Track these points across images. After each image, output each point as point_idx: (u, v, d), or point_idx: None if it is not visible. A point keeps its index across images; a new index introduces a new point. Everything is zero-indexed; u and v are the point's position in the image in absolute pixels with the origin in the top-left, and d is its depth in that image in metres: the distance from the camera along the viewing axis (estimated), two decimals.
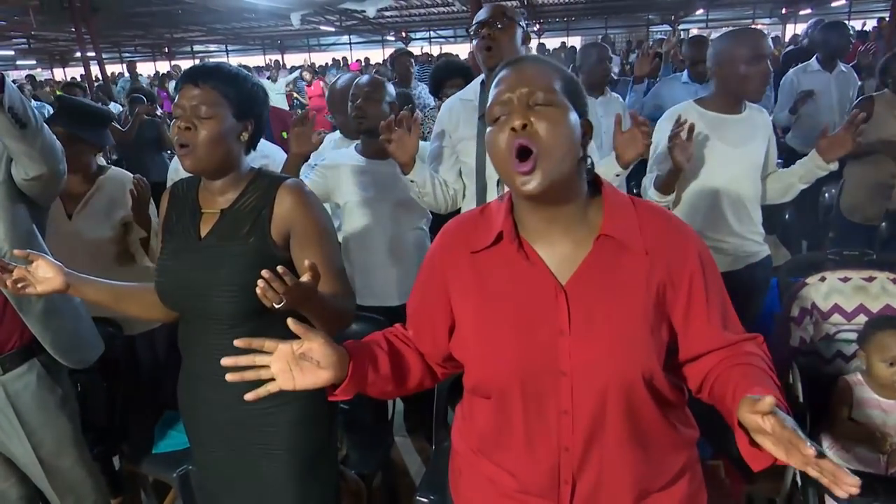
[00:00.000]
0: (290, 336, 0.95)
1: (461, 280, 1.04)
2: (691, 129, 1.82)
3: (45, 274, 1.34)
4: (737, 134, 1.99)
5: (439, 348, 1.11)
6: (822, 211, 3.55)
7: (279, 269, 1.06)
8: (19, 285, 1.33)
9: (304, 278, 1.09)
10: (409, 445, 2.58)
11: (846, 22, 4.26)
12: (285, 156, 2.67)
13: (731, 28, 2.15)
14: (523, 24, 1.88)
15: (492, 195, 1.89)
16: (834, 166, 1.95)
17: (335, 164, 2.16)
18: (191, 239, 1.38)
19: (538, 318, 0.96)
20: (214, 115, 1.29)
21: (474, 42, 1.88)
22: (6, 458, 1.72)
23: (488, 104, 0.98)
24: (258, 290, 1.07)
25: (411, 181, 1.89)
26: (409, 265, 2.20)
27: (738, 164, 1.99)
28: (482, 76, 2.00)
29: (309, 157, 2.07)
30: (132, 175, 2.20)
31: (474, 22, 1.87)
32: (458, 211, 2.00)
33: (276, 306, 1.09)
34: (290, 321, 0.96)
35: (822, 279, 1.98)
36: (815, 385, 1.91)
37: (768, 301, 2.25)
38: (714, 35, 2.62)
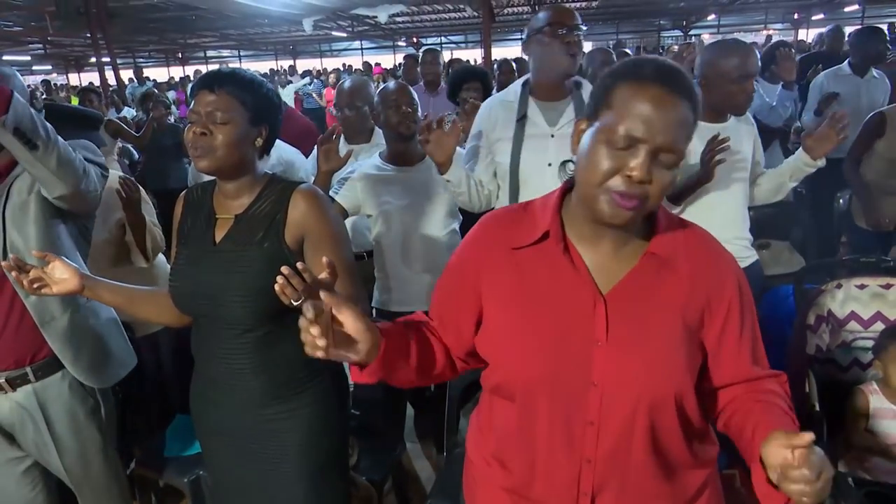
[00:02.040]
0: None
1: (497, 276, 1.02)
2: (726, 142, 1.79)
3: (60, 275, 1.36)
4: None
5: (463, 342, 1.09)
6: (837, 217, 3.52)
7: (298, 265, 1.07)
8: (35, 286, 1.34)
9: (322, 276, 1.09)
10: (420, 451, 2.57)
11: (881, 27, 4.22)
12: (305, 159, 2.68)
13: (721, 38, 2.14)
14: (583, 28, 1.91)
15: (525, 197, 1.89)
16: (821, 163, 1.94)
17: (364, 176, 2.14)
18: (206, 244, 1.39)
19: (574, 324, 0.95)
20: (230, 121, 1.30)
21: (546, 41, 1.85)
22: (33, 466, 1.72)
23: (612, 118, 0.87)
24: (276, 287, 1.08)
25: (447, 181, 1.91)
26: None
27: (728, 172, 1.97)
28: (524, 78, 2.00)
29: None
30: (123, 174, 2.21)
31: (555, 21, 1.85)
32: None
33: (294, 304, 1.10)
34: (323, 293, 0.91)
35: (839, 286, 1.95)
36: (831, 393, 1.89)
37: (787, 308, 2.22)
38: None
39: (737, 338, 0.99)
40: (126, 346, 1.84)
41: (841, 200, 3.45)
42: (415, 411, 2.55)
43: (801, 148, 1.96)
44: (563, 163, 1.88)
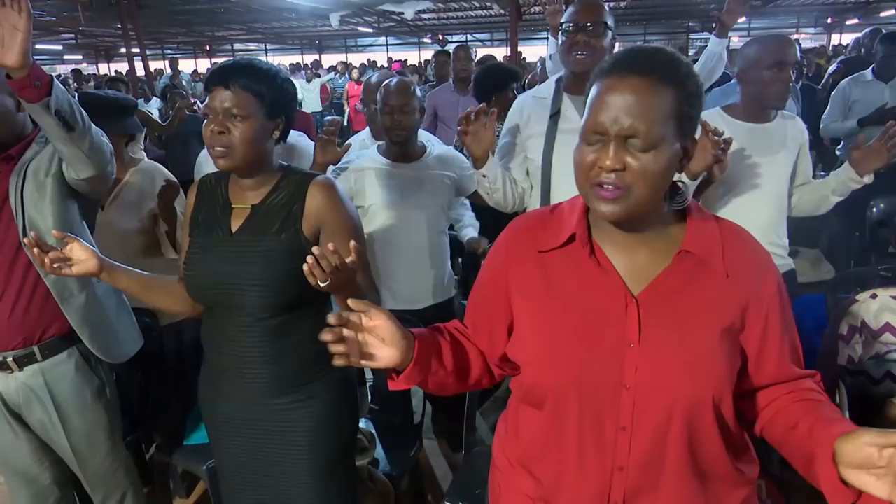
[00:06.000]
0: (318, 328, 0.95)
1: (525, 279, 1.00)
2: (728, 143, 1.72)
3: (79, 256, 1.37)
4: (763, 143, 1.93)
5: (496, 347, 1.07)
6: (870, 226, 3.44)
7: (329, 246, 1.08)
8: (56, 265, 1.35)
9: (350, 259, 1.11)
10: (437, 448, 2.55)
11: None
12: (310, 142, 2.66)
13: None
14: (612, 25, 1.82)
15: (557, 195, 1.86)
16: (868, 179, 1.88)
17: (360, 168, 2.13)
18: (222, 233, 1.39)
19: (605, 326, 0.92)
20: (248, 117, 1.30)
21: (561, 39, 1.83)
22: (42, 443, 1.75)
23: (585, 116, 0.90)
24: (305, 268, 1.09)
25: (483, 175, 1.87)
26: (432, 269, 2.19)
27: (764, 174, 1.92)
28: (558, 75, 1.96)
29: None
30: (162, 167, 2.23)
31: (567, 20, 1.81)
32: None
33: (321, 285, 1.11)
34: (350, 301, 0.93)
35: (874, 296, 1.89)
36: (861, 406, 1.84)
37: (816, 316, 2.17)
38: None
39: (778, 339, 0.96)
40: (135, 326, 1.87)
41: (875, 209, 3.37)
42: (433, 409, 2.54)
43: (846, 162, 1.90)
44: None
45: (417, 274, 2.15)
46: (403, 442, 2.09)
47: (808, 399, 0.94)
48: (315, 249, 1.08)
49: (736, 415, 0.97)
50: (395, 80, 2.16)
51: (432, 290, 2.18)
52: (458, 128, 1.81)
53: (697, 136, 1.62)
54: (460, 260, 2.81)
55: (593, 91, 0.90)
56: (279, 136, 1.39)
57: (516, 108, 2.03)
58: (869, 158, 1.84)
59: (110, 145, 1.60)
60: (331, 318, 0.92)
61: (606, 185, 0.86)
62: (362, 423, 1.91)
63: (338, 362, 0.92)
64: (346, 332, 0.91)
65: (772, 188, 1.96)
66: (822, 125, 3.80)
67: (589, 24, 1.77)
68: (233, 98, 1.28)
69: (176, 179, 2.19)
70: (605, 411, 0.92)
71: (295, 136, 2.53)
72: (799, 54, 1.91)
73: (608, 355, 0.92)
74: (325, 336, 0.91)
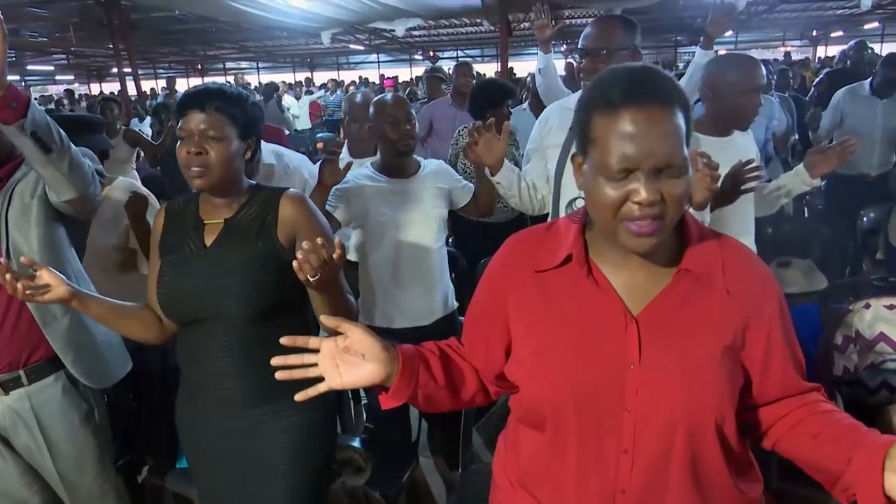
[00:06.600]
0: (296, 334, 0.98)
1: (523, 299, 0.99)
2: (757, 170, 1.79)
3: (47, 283, 1.35)
4: (729, 156, 1.95)
5: (493, 366, 1.06)
6: (861, 235, 3.46)
7: (318, 240, 1.12)
8: (28, 292, 1.33)
9: (337, 254, 1.15)
10: (432, 466, 2.53)
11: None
12: (312, 165, 2.65)
13: (728, 53, 2.17)
14: (634, 44, 1.83)
15: (565, 206, 1.89)
16: (818, 182, 1.95)
17: (358, 187, 2.11)
18: (195, 248, 1.41)
19: (604, 347, 0.91)
20: (222, 139, 1.34)
21: (576, 57, 1.89)
22: (30, 467, 1.72)
23: (602, 152, 0.85)
24: (295, 264, 1.13)
25: (497, 182, 1.91)
26: (438, 282, 2.18)
27: None
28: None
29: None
30: (137, 183, 2.23)
31: (580, 44, 1.86)
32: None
33: (311, 279, 1.15)
34: (322, 317, 0.96)
35: (867, 306, 1.90)
36: (859, 417, 1.83)
37: (809, 327, 2.17)
38: None
39: (783, 352, 0.95)
40: (122, 348, 1.85)
41: (865, 218, 3.39)
42: (428, 426, 2.51)
43: (801, 164, 1.96)
44: (571, 201, 1.86)
45: (425, 289, 2.15)
46: (399, 461, 2.07)
47: (827, 410, 0.95)
48: (305, 244, 1.12)
49: (744, 429, 0.97)
50: (389, 94, 2.18)
51: (441, 303, 2.19)
52: (467, 140, 1.84)
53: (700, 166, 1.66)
54: (453, 276, 2.81)
55: (602, 123, 0.85)
56: (250, 156, 1.44)
57: (543, 118, 2.09)
58: (822, 162, 1.92)
59: (93, 166, 1.59)
60: (283, 341, 0.95)
61: (644, 220, 0.84)
62: (357, 443, 1.89)
63: (320, 388, 0.93)
64: (316, 357, 0.94)
65: (741, 201, 1.98)
66: (816, 134, 3.87)
67: (594, 49, 1.82)
68: (208, 120, 1.33)
69: (150, 193, 2.18)
70: (606, 433, 0.91)
71: (298, 161, 2.54)
72: (766, 73, 1.97)
73: (608, 377, 0.90)
74: (280, 375, 0.94)
